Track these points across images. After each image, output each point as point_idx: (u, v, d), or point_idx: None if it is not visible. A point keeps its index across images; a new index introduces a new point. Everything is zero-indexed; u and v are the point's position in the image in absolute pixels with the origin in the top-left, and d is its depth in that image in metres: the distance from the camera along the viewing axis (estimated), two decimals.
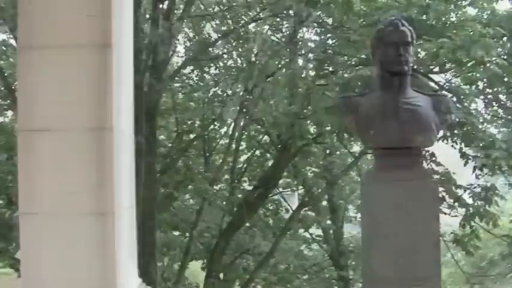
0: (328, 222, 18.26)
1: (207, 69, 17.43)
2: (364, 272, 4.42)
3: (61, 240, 3.39)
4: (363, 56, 9.16)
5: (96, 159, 3.38)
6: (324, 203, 18.96)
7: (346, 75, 10.97)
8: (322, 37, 10.97)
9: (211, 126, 16.89)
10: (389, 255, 3.83)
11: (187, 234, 16.69)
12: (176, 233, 16.92)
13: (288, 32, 13.77)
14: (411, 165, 3.99)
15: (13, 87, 15.39)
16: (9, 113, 19.10)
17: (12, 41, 15.97)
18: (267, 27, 15.84)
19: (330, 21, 12.21)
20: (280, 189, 17.89)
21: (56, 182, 3.40)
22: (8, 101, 17.59)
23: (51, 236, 3.40)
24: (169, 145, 17.25)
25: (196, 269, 18.64)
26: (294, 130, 11.32)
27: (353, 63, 10.10)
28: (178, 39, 16.05)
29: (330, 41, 10.59)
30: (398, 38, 3.94)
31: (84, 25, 3.43)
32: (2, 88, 17.51)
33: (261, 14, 14.54)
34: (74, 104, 3.40)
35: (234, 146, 17.07)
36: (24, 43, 3.51)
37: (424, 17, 8.96)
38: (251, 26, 15.22)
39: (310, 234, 19.28)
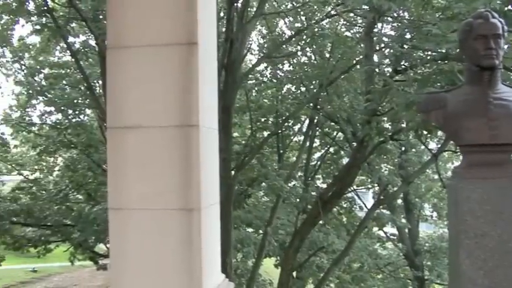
0: (403, 220, 17.93)
1: (281, 67, 17.45)
2: (451, 272, 4.28)
3: (148, 235, 3.45)
4: (443, 51, 8.88)
5: (182, 156, 3.42)
6: (399, 201, 18.67)
7: (420, 70, 10.73)
8: (400, 32, 10.70)
9: (285, 123, 16.83)
10: (479, 256, 3.69)
11: (260, 231, 16.76)
12: (250, 230, 16.99)
13: (363, 28, 13.55)
14: (502, 163, 3.82)
15: (94, 87, 15.89)
16: (88, 111, 19.73)
17: (92, 42, 16.46)
18: (341, 23, 15.72)
19: (406, 15, 12.00)
20: (354, 187, 17.72)
21: (144, 178, 3.45)
22: (88, 100, 18.15)
23: (138, 230, 3.47)
24: (243, 142, 17.35)
25: (269, 266, 18.73)
26: (371, 127, 11.13)
27: (433, 58, 9.79)
28: (251, 38, 16.15)
29: (407, 36, 10.31)
30: (489, 30, 3.77)
31: (170, 24, 3.48)
32: (82, 87, 18.11)
33: (333, 11, 14.44)
34: (161, 102, 3.45)
35: (307, 143, 17.03)
36: (113, 43, 3.58)
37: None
38: (325, 22, 15.14)
39: (385, 232, 19.03)
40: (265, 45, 16.67)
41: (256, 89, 17.90)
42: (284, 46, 15.83)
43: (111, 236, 3.54)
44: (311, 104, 14.97)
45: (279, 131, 16.98)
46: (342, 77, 13.83)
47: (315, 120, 16.29)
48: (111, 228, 3.54)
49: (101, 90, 15.41)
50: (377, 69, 11.85)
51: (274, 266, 18.29)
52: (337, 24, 15.87)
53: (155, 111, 3.45)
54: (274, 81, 17.36)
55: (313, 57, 16.21)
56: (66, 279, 26.25)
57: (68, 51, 18.36)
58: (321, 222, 15.43)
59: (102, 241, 18.38)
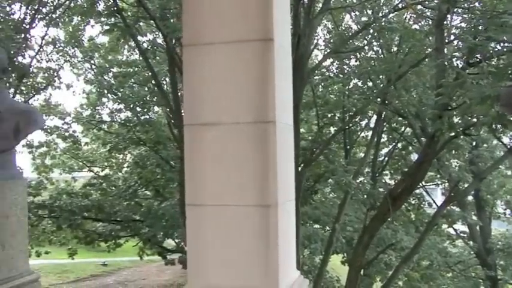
0: (474, 218, 17.43)
1: (347, 61, 17.27)
2: None
3: (225, 231, 3.46)
4: None
5: (259, 152, 3.40)
6: (470, 197, 18.16)
7: (494, 62, 10.39)
8: (473, 23, 10.37)
9: (353, 119, 16.64)
10: None
11: (327, 228, 16.65)
12: (317, 226, 16.90)
13: (432, 20, 13.24)
14: None
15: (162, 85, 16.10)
16: (156, 108, 20.04)
17: (159, 40, 16.70)
18: (409, 15, 15.43)
19: (478, 5, 11.65)
20: (423, 183, 17.35)
21: (221, 174, 3.46)
22: (155, 98, 18.44)
23: (215, 226, 3.47)
24: (310, 138, 17.27)
25: (335, 263, 18.59)
26: (442, 122, 10.84)
27: (509, 49, 9.45)
28: (317, 33, 16.03)
29: (480, 27, 9.98)
30: None
31: (246, 21, 3.47)
32: (150, 85, 18.40)
33: (401, 4, 14.18)
34: (238, 99, 3.45)
35: (375, 138, 16.81)
36: (189, 41, 3.58)
37: None
38: (392, 16, 14.87)
39: (455, 230, 18.56)
40: (332, 40, 16.52)
41: (322, 84, 17.79)
42: (351, 41, 15.64)
43: (188, 232, 3.55)
44: (379, 99, 14.74)
45: (347, 127, 16.81)
46: (411, 71, 13.52)
47: (383, 116, 16.05)
48: (188, 224, 3.56)
49: (169, 88, 15.61)
50: (447, 63, 11.54)
51: (341, 262, 18.16)
52: (405, 17, 15.57)
53: (232, 108, 3.45)
54: (341, 76, 17.20)
55: (380, 52, 15.95)
56: (134, 273, 26.73)
57: (136, 50, 18.80)
58: (389, 219, 15.18)
59: (170, 236, 18.68)
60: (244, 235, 3.42)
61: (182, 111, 14.15)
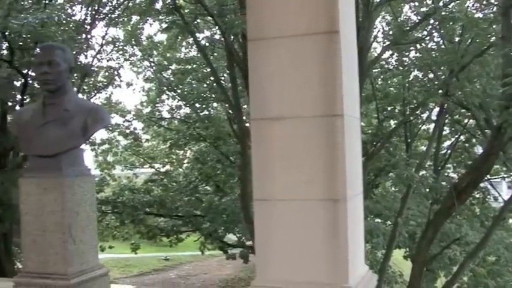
0: None
1: (407, 53, 16.98)
2: None
3: (293, 226, 3.44)
4: None
5: (327, 146, 3.37)
6: None
7: None
8: None
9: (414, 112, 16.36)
10: None
11: (389, 222, 16.42)
12: (378, 220, 16.67)
13: (497, 8, 12.86)
14: None
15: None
16: (215, 104, 20.18)
17: (217, 36, 16.80)
18: (471, 4, 15.05)
19: None
20: (488, 176, 16.89)
21: (289, 169, 3.44)
22: (214, 94, 18.57)
23: (284, 221, 3.46)
24: (369, 132, 17.08)
25: (397, 257, 18.34)
26: (510, 112, 10.49)
27: None
28: (376, 25, 15.80)
29: None
30: None
31: (311, 14, 3.43)
32: (209, 81, 18.52)
33: None
34: (305, 92, 3.42)
35: (437, 131, 16.47)
36: (254, 35, 3.58)
37: None
38: (453, 5, 14.52)
39: None
40: (391, 32, 16.25)
41: (381, 77, 17.54)
42: (410, 32, 15.35)
43: (257, 227, 3.56)
44: (440, 91, 14.42)
45: (408, 120, 16.55)
46: (474, 61, 13.16)
47: (445, 108, 15.69)
48: (256, 219, 3.56)
49: (228, 84, 15.68)
50: None
51: (403, 257, 17.89)
52: (467, 6, 15.17)
53: (299, 101, 3.43)
54: (401, 68, 16.91)
55: (441, 42, 15.59)
56: (196, 268, 27.06)
57: (194, 47, 18.97)
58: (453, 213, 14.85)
59: (231, 231, 18.80)
60: (313, 229, 3.40)
61: (243, 107, 14.24)
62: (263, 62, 3.51)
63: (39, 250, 3.92)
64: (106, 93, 18.83)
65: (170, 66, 20.26)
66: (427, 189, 15.56)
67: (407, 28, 15.17)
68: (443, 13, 13.34)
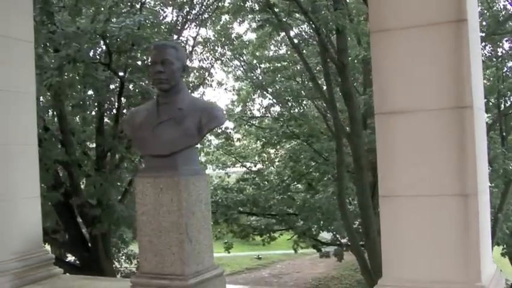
0: None
1: (500, 44, 16.36)
2: None
3: (422, 222, 3.30)
4: None
5: (455, 139, 3.21)
6: None
7: None
8: None
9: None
10: None
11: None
12: None
13: None
14: None
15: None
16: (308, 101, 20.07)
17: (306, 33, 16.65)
18: None
19: None
20: None
21: (415, 164, 3.30)
22: (307, 91, 18.45)
23: (411, 218, 3.33)
24: None
25: (495, 254, 17.65)
26: None
27: None
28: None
29: None
30: None
31: (437, 2, 3.28)
32: (300, 79, 18.42)
33: None
34: (430, 85, 3.27)
35: None
36: (376, 27, 3.47)
37: None
38: None
39: None
40: (484, 23, 15.62)
41: None
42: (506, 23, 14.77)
43: (382, 224, 3.45)
44: None
45: (508, 113, 15.91)
46: None
47: None
48: (383, 216, 3.45)
49: (323, 80, 15.52)
50: None
51: (501, 254, 17.29)
52: None
53: (425, 94, 3.28)
54: (494, 60, 16.29)
55: None
56: (288, 267, 27.06)
57: (283, 45, 18.94)
58: None
59: (325, 229, 18.63)
60: (442, 226, 3.25)
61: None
62: (385, 54, 3.39)
63: (155, 250, 3.92)
64: (198, 93, 19.07)
65: (260, 65, 20.30)
66: None
67: (503, 19, 14.61)
68: None
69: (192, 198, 3.92)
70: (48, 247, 16.28)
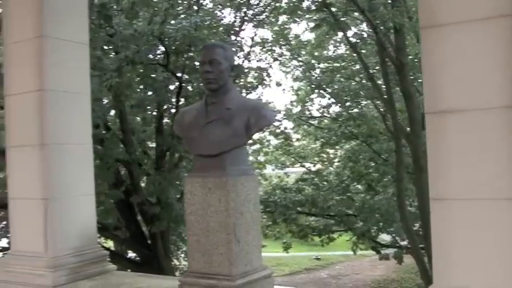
0: None
1: None
2: None
3: (475, 227, 3.16)
4: None
5: (510, 141, 3.05)
6: None
7: None
8: None
9: None
10: None
11: None
12: None
13: None
14: None
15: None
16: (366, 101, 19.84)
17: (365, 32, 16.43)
18: None
19: None
20: None
21: (468, 166, 3.16)
22: (366, 91, 18.23)
23: (464, 222, 3.19)
24: None
25: None
26: None
27: None
28: None
29: None
30: None
31: None
32: (358, 78, 18.20)
33: None
34: (485, 82, 3.13)
35: None
36: (426, 23, 3.35)
37: None
38: None
39: None
40: None
41: None
42: None
43: (433, 228, 3.32)
44: None
45: None
46: None
47: None
48: (433, 220, 3.32)
49: (380, 80, 15.33)
50: None
51: None
52: None
53: (478, 92, 3.14)
54: None
55: None
56: (347, 268, 26.80)
57: (342, 45, 18.77)
58: None
59: (384, 231, 18.38)
60: (497, 231, 3.10)
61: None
62: (437, 50, 3.26)
63: (203, 250, 3.91)
64: (256, 94, 19.11)
65: (319, 65, 20.20)
66: None
67: None
68: None
69: (240, 199, 3.89)
70: (110, 243, 16.72)
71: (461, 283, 3.20)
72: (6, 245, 5.62)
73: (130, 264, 14.18)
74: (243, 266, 3.90)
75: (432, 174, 3.28)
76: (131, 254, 16.33)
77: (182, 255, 17.33)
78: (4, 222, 13.76)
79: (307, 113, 21.85)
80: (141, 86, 13.41)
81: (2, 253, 10.09)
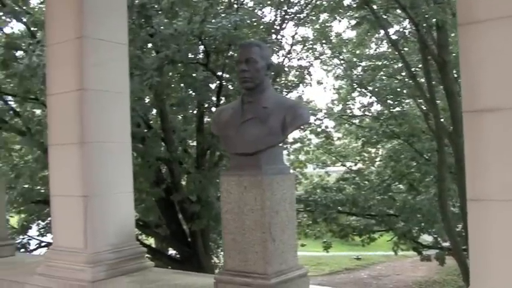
0: None
1: None
2: None
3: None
4: None
5: None
6: None
7: None
8: None
9: None
10: None
11: None
12: None
13: None
14: None
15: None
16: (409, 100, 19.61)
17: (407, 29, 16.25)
18: None
19: None
20: None
21: (507, 165, 3.08)
22: (405, 90, 18.03)
23: (503, 224, 3.11)
24: None
25: None
26: None
27: None
28: None
29: None
30: None
31: None
32: (400, 77, 17.98)
33: None
34: None
35: None
36: (464, 20, 3.28)
37: None
38: None
39: None
40: None
41: None
42: None
43: (470, 230, 3.26)
44: None
45: None
46: None
47: None
48: (470, 221, 3.26)
49: (422, 78, 15.13)
50: None
51: None
52: None
53: None
54: None
55: None
56: (388, 268, 26.56)
57: (384, 42, 18.59)
58: None
59: (426, 231, 18.14)
60: None
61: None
62: (475, 47, 3.18)
63: (239, 248, 3.92)
64: (297, 92, 19.09)
65: (360, 63, 20.06)
66: None
67: None
68: None
69: (275, 198, 3.88)
70: (151, 240, 16.91)
71: (498, 286, 3.14)
72: (51, 240, 5.75)
73: (171, 262, 14.33)
74: (278, 265, 3.89)
75: (469, 174, 3.21)
76: (172, 252, 16.51)
77: (222, 253, 17.35)
78: (49, 218, 14.09)
79: (348, 111, 21.71)
80: (182, 85, 13.52)
81: (46, 248, 10.31)
